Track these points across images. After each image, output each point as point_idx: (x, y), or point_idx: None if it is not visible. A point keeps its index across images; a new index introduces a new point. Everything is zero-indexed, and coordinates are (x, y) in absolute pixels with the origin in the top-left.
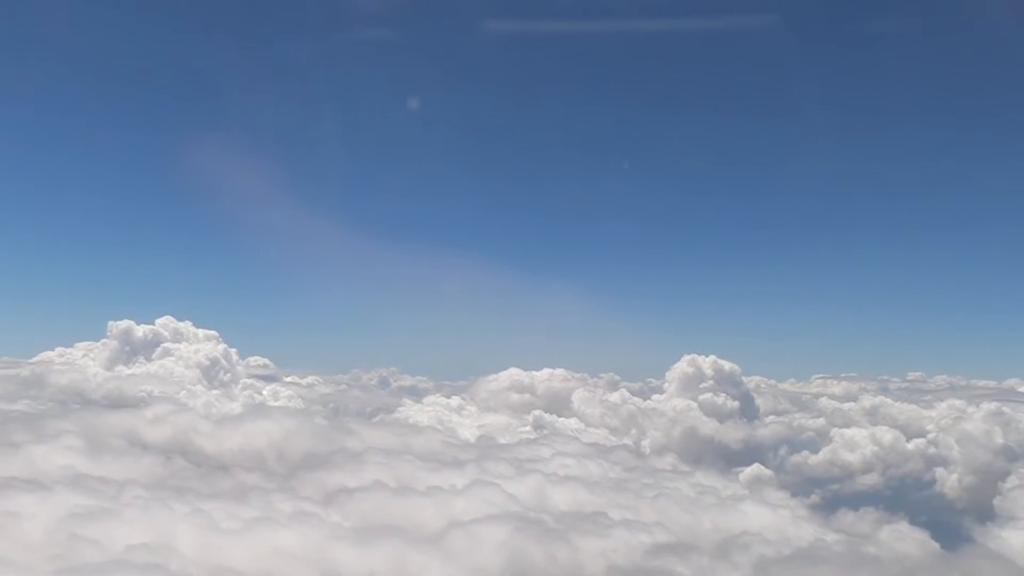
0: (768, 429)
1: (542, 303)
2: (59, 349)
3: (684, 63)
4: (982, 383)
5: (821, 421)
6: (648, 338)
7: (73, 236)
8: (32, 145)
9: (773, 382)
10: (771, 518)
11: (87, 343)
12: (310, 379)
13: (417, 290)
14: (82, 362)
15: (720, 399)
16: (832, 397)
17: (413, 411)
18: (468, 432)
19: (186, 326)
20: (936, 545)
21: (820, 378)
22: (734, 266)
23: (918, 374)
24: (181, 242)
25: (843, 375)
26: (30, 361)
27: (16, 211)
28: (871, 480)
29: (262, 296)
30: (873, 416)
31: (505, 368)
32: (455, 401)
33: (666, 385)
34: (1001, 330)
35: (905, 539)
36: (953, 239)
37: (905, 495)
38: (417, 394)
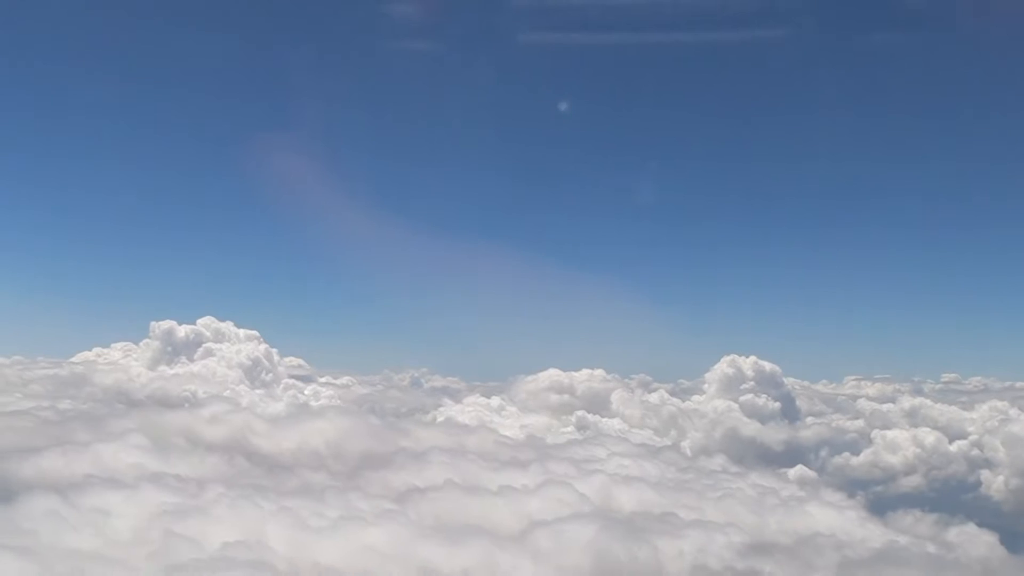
0: (810, 431)
1: (570, 305)
2: (97, 349)
3: (716, 67)
4: (1021, 384)
5: (860, 423)
6: (677, 339)
7: (108, 237)
8: (72, 145)
9: (806, 383)
10: (838, 519)
11: (124, 343)
12: (345, 380)
13: (446, 291)
14: (124, 362)
15: (761, 400)
16: (867, 399)
17: (454, 411)
18: (510, 432)
19: (227, 326)
20: (1003, 549)
21: (854, 379)
22: (763, 267)
23: (953, 375)
24: (214, 242)
25: (877, 376)
26: (69, 361)
27: (53, 211)
28: (914, 482)
29: (293, 296)
30: (913, 418)
31: (535, 368)
32: (495, 401)
33: (705, 386)
34: None
35: (974, 542)
36: (986, 238)
37: (951, 497)
38: (450, 394)
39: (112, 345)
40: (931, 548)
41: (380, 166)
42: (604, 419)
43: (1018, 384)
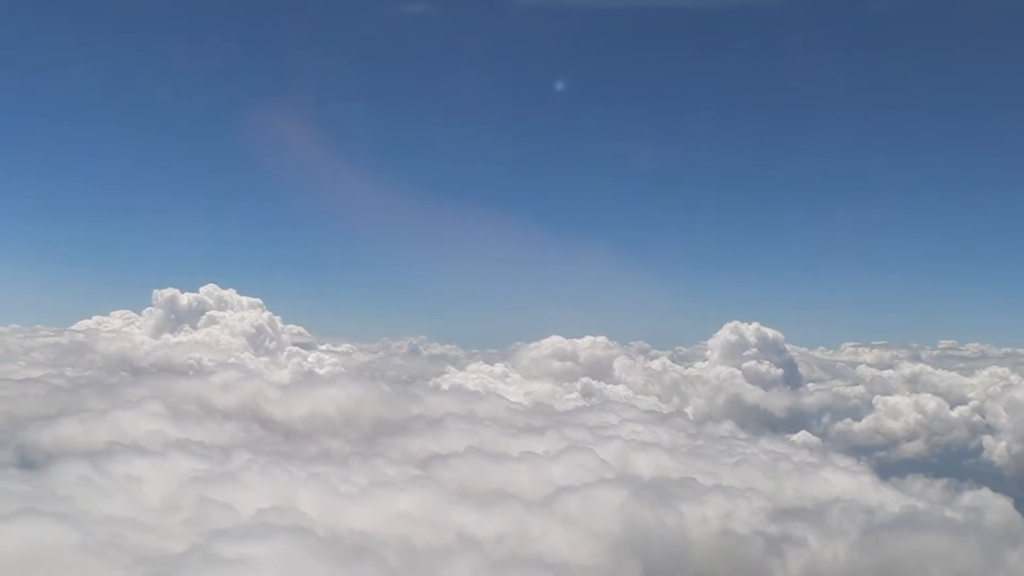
0: (813, 397)
1: (567, 272)
2: (97, 318)
3: (722, 32)
4: (1022, 350)
5: (860, 389)
6: (672, 306)
7: (104, 205)
8: (69, 112)
9: (804, 350)
10: (853, 484)
11: (124, 311)
12: (345, 347)
13: (442, 259)
14: (128, 330)
15: (764, 367)
16: (867, 365)
17: (458, 379)
18: (515, 399)
19: (230, 294)
20: (1018, 514)
21: (851, 346)
22: (759, 235)
23: (950, 342)
24: (212, 210)
25: (874, 343)
26: (69, 329)
27: (49, 180)
28: (916, 448)
29: (292, 264)
30: (913, 384)
31: (532, 336)
32: (499, 368)
33: (708, 352)
34: None
35: (991, 507)
36: (982, 206)
37: (953, 463)
38: (450, 361)
39: (111, 313)
40: (948, 513)
41: (378, 134)
42: (609, 386)
43: (1019, 350)
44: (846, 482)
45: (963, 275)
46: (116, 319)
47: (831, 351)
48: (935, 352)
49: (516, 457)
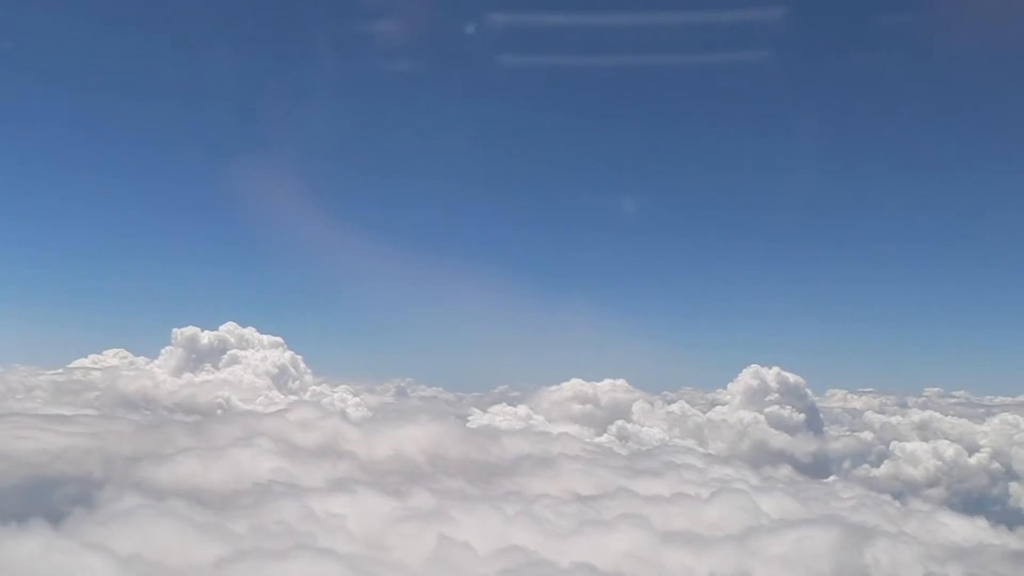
0: (839, 443)
1: (551, 318)
2: (93, 356)
3: (716, 80)
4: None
5: (868, 435)
6: (656, 350)
7: (98, 247)
8: (78, 155)
9: None
10: (968, 528)
11: (116, 349)
12: (342, 388)
13: (425, 304)
14: (149, 368)
15: (786, 412)
16: (849, 411)
17: (484, 420)
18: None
19: (250, 332)
20: None
21: (837, 392)
22: (738, 280)
23: (936, 389)
24: (202, 251)
25: (860, 390)
26: (68, 368)
27: (38, 220)
28: (938, 494)
29: (280, 305)
30: (923, 431)
31: (519, 378)
32: (522, 410)
33: (728, 397)
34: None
35: None
36: (961, 255)
37: (978, 509)
38: (432, 404)
39: (104, 352)
40: None
41: (379, 185)
42: (644, 428)
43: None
44: (960, 525)
45: (945, 323)
46: (111, 357)
47: (819, 397)
48: (921, 399)
49: (668, 498)
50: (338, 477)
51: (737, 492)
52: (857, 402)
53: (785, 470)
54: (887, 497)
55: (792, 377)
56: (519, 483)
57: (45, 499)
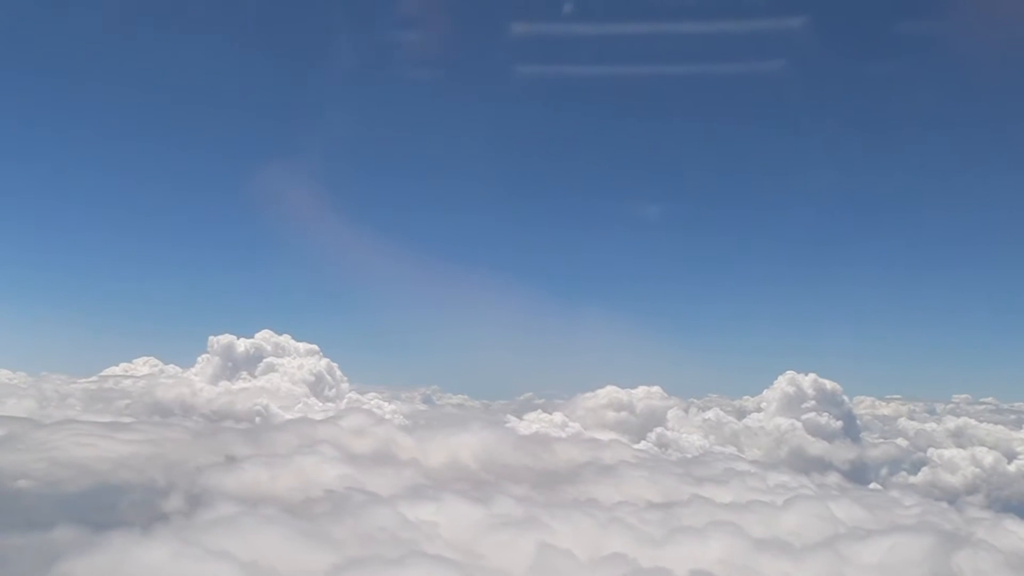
0: (879, 450)
1: (569, 324)
2: (123, 365)
3: (736, 87)
4: None
5: (903, 442)
6: (676, 356)
7: (129, 256)
8: (110, 164)
9: None
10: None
11: (146, 358)
12: (370, 395)
13: (447, 311)
14: (186, 376)
15: (823, 419)
16: (879, 418)
17: (522, 427)
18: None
19: (286, 340)
20: None
21: (865, 399)
22: (759, 287)
23: (964, 396)
24: (228, 259)
25: (888, 396)
26: (100, 375)
27: (56, 222)
28: (978, 501)
29: (307, 311)
30: (958, 438)
31: (544, 386)
32: (558, 418)
33: (764, 404)
34: None
35: None
36: (984, 261)
37: (1022, 517)
38: (466, 412)
39: (135, 360)
40: None
41: (393, 190)
42: (684, 435)
43: None
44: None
45: (971, 329)
46: (141, 365)
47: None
48: (950, 406)
49: (744, 505)
50: (411, 484)
51: (811, 499)
52: (886, 409)
53: (834, 477)
54: (944, 504)
55: (829, 384)
56: (584, 490)
57: (112, 505)
